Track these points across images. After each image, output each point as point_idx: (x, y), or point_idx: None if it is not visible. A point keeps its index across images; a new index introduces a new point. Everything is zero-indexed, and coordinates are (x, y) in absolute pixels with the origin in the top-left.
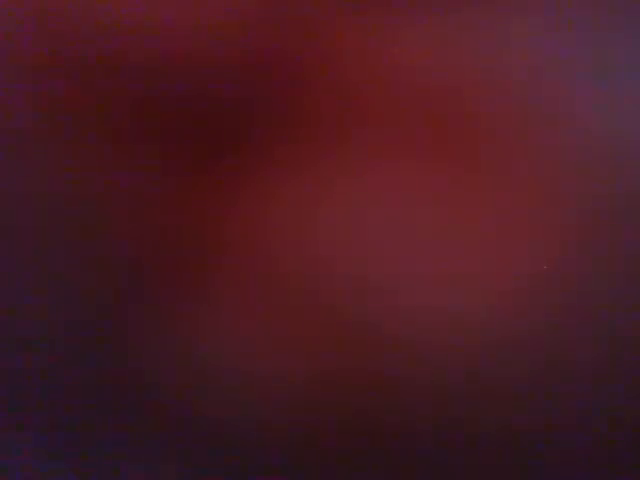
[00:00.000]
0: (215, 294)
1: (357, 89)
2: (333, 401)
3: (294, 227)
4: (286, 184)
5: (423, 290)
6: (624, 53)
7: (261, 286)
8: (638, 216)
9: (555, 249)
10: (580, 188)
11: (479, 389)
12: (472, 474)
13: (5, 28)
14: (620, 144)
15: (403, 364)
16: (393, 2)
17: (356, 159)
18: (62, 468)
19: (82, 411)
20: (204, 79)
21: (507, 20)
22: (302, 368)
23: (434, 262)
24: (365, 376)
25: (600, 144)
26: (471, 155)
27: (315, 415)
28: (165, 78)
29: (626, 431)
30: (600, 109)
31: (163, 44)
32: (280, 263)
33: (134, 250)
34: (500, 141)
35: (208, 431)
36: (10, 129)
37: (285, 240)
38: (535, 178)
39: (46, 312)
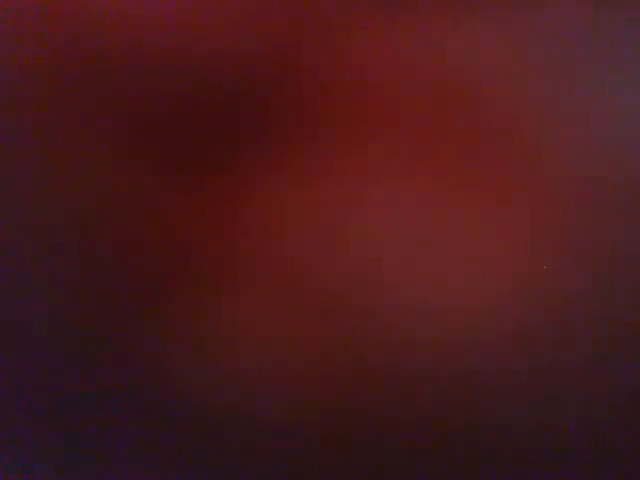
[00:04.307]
0: (216, 295)
1: (363, 90)
2: (339, 401)
3: (296, 228)
4: (289, 186)
5: (423, 290)
6: (624, 53)
7: (263, 286)
8: (639, 216)
9: (555, 249)
10: (581, 188)
11: (479, 389)
12: (472, 472)
13: (4, 27)
14: (621, 144)
15: (406, 364)
16: (402, 3)
17: (359, 160)
18: (61, 468)
19: (82, 411)
20: (208, 78)
21: (509, 22)
22: (303, 369)
23: (434, 263)
24: (369, 375)
25: (601, 144)
26: (472, 155)
27: (318, 415)
28: (167, 77)
29: (626, 431)
30: (600, 109)
31: (165, 43)
32: (282, 264)
33: (136, 250)
34: (501, 141)
35: (209, 431)
36: (9, 129)
37: (287, 241)
38: (535, 178)
39: (46, 311)
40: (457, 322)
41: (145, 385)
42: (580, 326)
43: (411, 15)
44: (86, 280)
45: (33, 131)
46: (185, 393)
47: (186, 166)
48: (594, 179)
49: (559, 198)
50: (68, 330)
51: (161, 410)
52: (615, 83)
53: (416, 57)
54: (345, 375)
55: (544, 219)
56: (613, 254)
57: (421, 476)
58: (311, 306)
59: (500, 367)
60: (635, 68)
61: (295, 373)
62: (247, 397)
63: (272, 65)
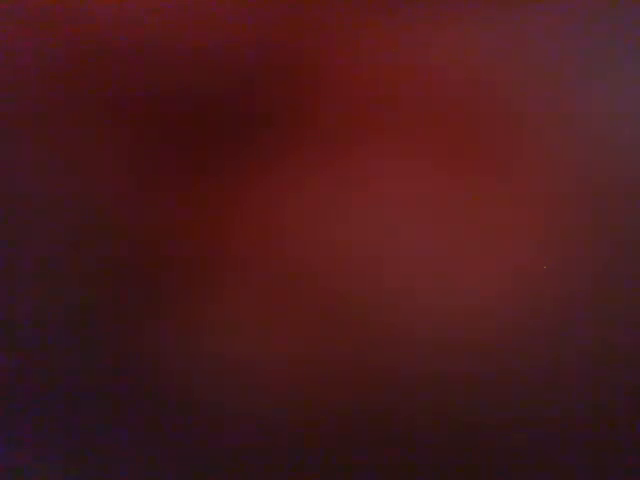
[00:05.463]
0: (216, 294)
1: (363, 91)
2: (339, 400)
3: (296, 228)
4: (289, 186)
5: (423, 290)
6: (624, 53)
7: (262, 286)
8: (638, 216)
9: (555, 249)
10: (580, 188)
11: (478, 389)
12: (472, 471)
13: (4, 27)
14: (620, 144)
15: (405, 363)
16: (400, 3)
17: (359, 160)
18: (62, 468)
19: (82, 411)
20: (207, 79)
21: (509, 21)
22: (304, 368)
23: (435, 262)
24: (369, 374)
25: (600, 144)
26: (472, 155)
27: (319, 416)
28: (167, 77)
29: (626, 430)
30: (600, 109)
31: (166, 43)
32: (282, 263)
33: (136, 250)
34: (501, 142)
35: (208, 430)
36: (10, 130)
37: (286, 241)
38: (535, 178)
39: (46, 311)
40: (457, 322)
41: (144, 384)
42: (580, 326)
43: (410, 15)
44: (85, 280)
45: (33, 131)
46: (185, 392)
47: (185, 166)
48: (594, 178)
49: (559, 198)
50: (67, 330)
51: (160, 408)
52: (616, 83)
53: (415, 57)
54: (344, 375)
55: (544, 219)
56: (613, 254)
57: (421, 475)
58: (310, 306)
59: (500, 367)
60: (635, 68)
61: (294, 372)
62: (247, 396)
63: (272, 65)
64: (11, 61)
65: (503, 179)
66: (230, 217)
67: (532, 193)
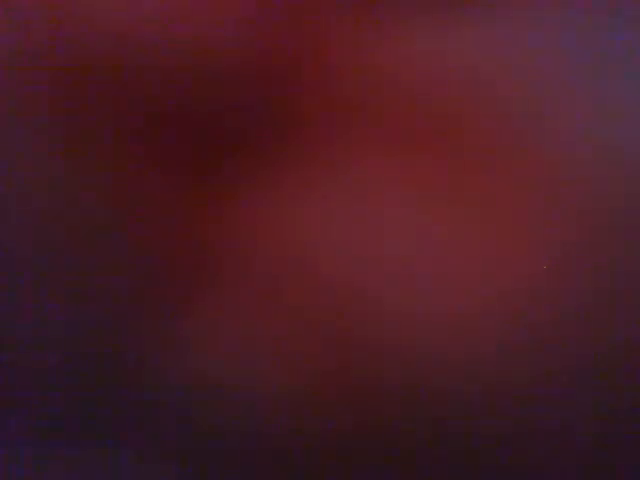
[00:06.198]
0: (215, 294)
1: (356, 90)
2: (334, 403)
3: (293, 229)
4: (286, 186)
5: (421, 291)
6: (624, 53)
7: (260, 286)
8: (638, 216)
9: (555, 249)
10: (580, 188)
11: (478, 390)
12: (471, 477)
13: (6, 29)
14: (620, 144)
15: (402, 365)
16: (392, 2)
17: (355, 160)
18: (61, 468)
19: (81, 411)
20: (204, 80)
21: (506, 20)
22: (302, 369)
23: (432, 263)
24: (364, 378)
25: (600, 144)
26: (470, 155)
27: (316, 417)
28: (166, 79)
29: (626, 432)
30: (600, 109)
31: (165, 43)
32: (279, 264)
33: (134, 251)
34: (500, 140)
35: (208, 431)
36: (12, 130)
37: (284, 241)
38: (535, 178)
39: (46, 312)
40: (455, 323)
41: (143, 386)
42: (580, 327)
43: (413, 14)
44: (84, 280)
45: (33, 132)
46: (184, 393)
47: (184, 167)
48: (595, 179)
49: (559, 198)
50: (66, 331)
51: (160, 410)
52: (617, 82)
53: (417, 57)
54: (339, 378)
55: (544, 219)
56: (614, 254)
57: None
58: (310, 306)
59: (500, 368)
60: (636, 67)
61: (293, 374)
62: (247, 397)
63: (272, 65)
64: (11, 62)
65: (503, 179)
66: (230, 217)
67: (532, 193)
